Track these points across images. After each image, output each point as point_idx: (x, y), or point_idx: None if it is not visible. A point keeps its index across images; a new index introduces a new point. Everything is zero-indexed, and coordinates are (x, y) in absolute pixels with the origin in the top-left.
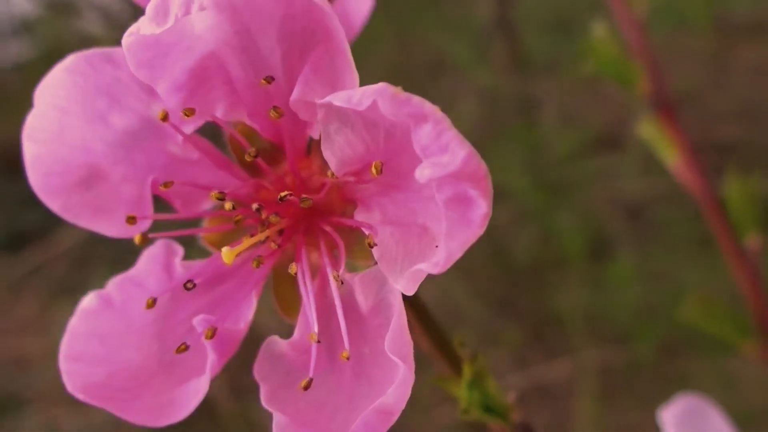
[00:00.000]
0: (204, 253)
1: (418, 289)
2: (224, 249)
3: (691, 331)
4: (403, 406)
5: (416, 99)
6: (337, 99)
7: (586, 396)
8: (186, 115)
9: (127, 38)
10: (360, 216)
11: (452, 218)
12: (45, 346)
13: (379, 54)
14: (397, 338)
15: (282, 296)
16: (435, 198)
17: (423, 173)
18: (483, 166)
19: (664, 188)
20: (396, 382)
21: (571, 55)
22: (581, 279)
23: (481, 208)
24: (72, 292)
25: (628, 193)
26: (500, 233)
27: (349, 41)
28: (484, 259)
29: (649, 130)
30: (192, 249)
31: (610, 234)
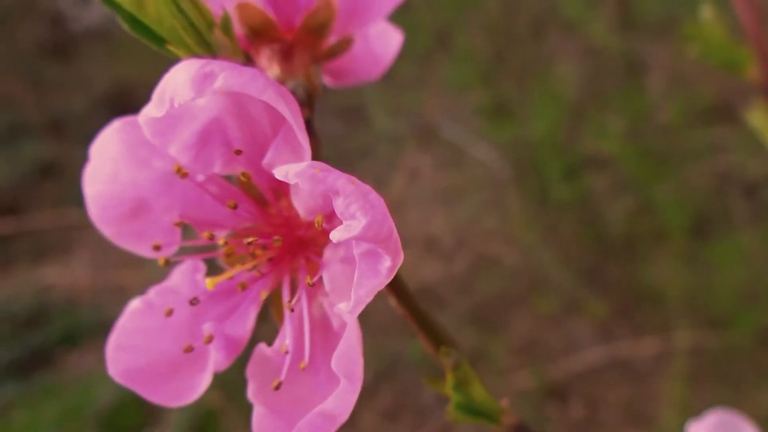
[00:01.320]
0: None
1: (409, 288)
2: (207, 279)
3: None
4: (345, 413)
5: (331, 178)
6: (278, 173)
7: (673, 377)
8: (182, 174)
9: (141, 118)
10: (328, 252)
11: (363, 269)
12: (141, 279)
13: (482, 11)
14: (342, 356)
15: (277, 310)
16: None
17: (334, 235)
18: (386, 229)
19: None
20: (335, 393)
21: (685, 16)
22: (680, 256)
23: (386, 262)
24: None
25: (740, 170)
26: (595, 201)
27: (376, 76)
28: (575, 226)
29: (759, 118)
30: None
31: (716, 211)
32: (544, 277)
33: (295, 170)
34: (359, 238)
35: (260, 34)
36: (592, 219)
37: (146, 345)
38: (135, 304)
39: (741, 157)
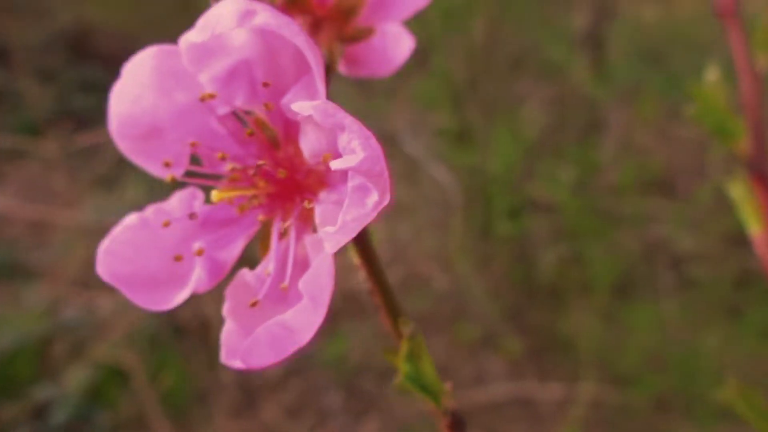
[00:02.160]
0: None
1: (381, 262)
2: (214, 191)
3: (689, 393)
4: (304, 332)
5: (340, 114)
6: (295, 106)
7: (570, 424)
8: (210, 98)
9: (181, 43)
10: (323, 195)
11: (353, 199)
12: (71, 222)
13: (467, 36)
14: (310, 277)
15: (263, 245)
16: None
17: (333, 163)
18: (379, 167)
19: (709, 249)
20: (296, 307)
21: (650, 88)
22: (599, 311)
23: (374, 196)
24: (111, 184)
25: (669, 242)
26: (532, 243)
27: (387, 75)
28: (508, 263)
29: (740, 192)
30: None
31: (641, 276)
32: (469, 306)
33: (312, 104)
34: (355, 170)
35: (296, 3)
36: (526, 260)
37: (135, 256)
38: (131, 217)
39: (672, 231)
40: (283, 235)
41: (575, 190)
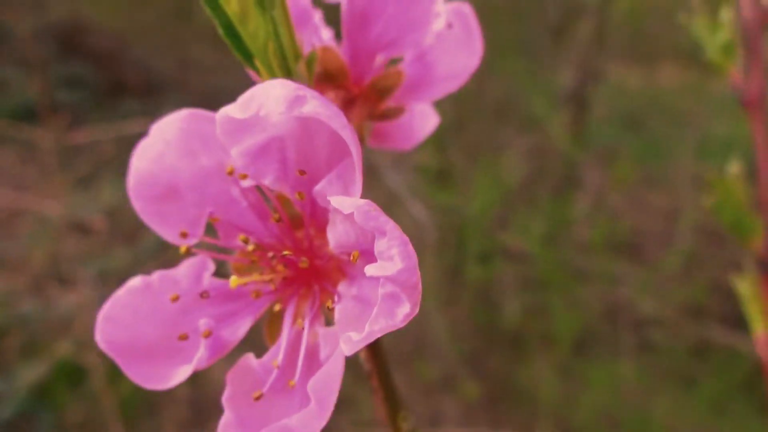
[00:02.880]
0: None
1: (384, 349)
2: (233, 277)
3: None
4: None
5: (382, 218)
6: (335, 201)
7: None
8: (241, 177)
9: (219, 114)
10: (342, 287)
11: (382, 308)
12: (40, 214)
13: None
14: (320, 380)
15: (271, 329)
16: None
17: (369, 269)
18: (415, 279)
19: (669, 316)
20: (303, 411)
21: (628, 150)
22: (558, 366)
23: (406, 308)
24: (88, 183)
25: (632, 305)
26: (499, 290)
27: (411, 147)
28: (474, 306)
29: (747, 290)
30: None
31: (602, 335)
32: (431, 345)
33: (354, 203)
34: (391, 280)
35: (332, 78)
36: (491, 305)
37: (134, 323)
38: (135, 281)
39: (635, 294)
40: (294, 323)
41: (546, 242)
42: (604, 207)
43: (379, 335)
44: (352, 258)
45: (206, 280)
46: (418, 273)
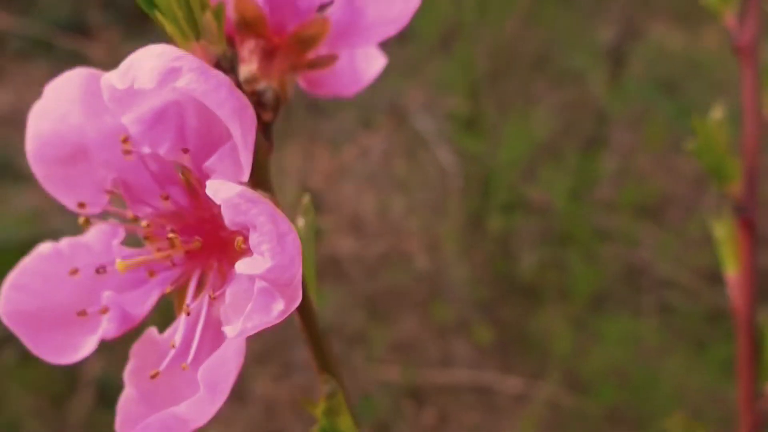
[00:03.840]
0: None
1: (316, 310)
2: (118, 260)
3: (642, 411)
4: (199, 421)
5: (253, 211)
6: (209, 187)
7: (523, 419)
8: (125, 149)
9: (103, 81)
10: (239, 265)
11: (256, 304)
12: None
13: (495, 28)
14: (210, 367)
15: (178, 301)
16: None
17: (239, 266)
18: (287, 276)
19: (686, 280)
20: (192, 399)
21: (661, 113)
22: (571, 318)
23: (280, 305)
24: None
25: (650, 267)
26: (519, 240)
27: (350, 95)
28: (493, 255)
29: (724, 233)
30: None
31: (618, 293)
32: (447, 289)
33: (224, 194)
34: (261, 277)
35: (250, 27)
36: (510, 255)
37: (43, 291)
38: (45, 247)
39: (655, 257)
40: (194, 299)
41: (570, 198)
42: (631, 168)
43: (253, 331)
44: (236, 245)
45: (115, 248)
46: (294, 269)
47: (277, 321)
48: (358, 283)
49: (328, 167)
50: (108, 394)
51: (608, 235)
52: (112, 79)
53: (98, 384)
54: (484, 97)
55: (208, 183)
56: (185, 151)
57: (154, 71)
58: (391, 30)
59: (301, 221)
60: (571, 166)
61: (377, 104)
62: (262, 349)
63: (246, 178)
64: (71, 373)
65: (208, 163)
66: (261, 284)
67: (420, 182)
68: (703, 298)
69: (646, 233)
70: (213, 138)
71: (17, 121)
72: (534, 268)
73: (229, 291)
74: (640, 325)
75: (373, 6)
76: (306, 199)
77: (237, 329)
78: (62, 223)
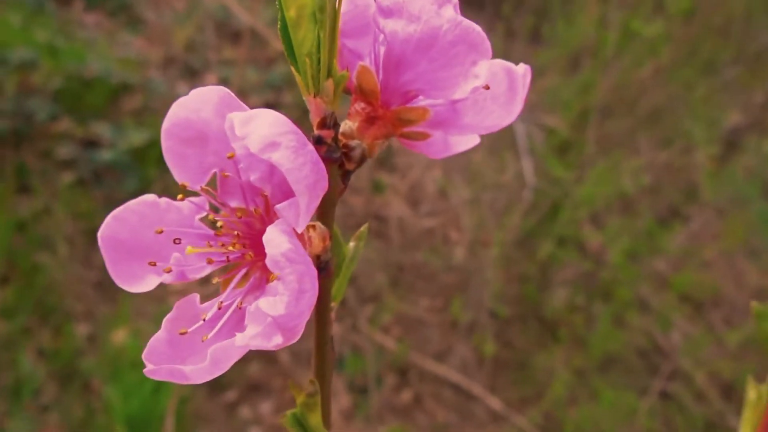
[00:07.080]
0: None
1: (330, 318)
2: (188, 246)
3: None
4: (196, 381)
5: (287, 270)
6: (266, 236)
7: None
8: (223, 174)
9: (228, 116)
10: (262, 301)
11: (263, 331)
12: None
13: (630, 68)
14: (219, 348)
15: (222, 287)
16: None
17: (261, 302)
18: (292, 325)
19: (701, 383)
20: (197, 365)
21: (754, 216)
22: (575, 368)
23: (278, 339)
24: None
25: (676, 355)
26: (558, 275)
27: (439, 158)
28: (528, 275)
29: (754, 396)
30: None
31: (629, 363)
32: (473, 290)
33: (270, 249)
34: (273, 318)
35: (364, 94)
36: (545, 285)
37: (135, 229)
38: (149, 196)
39: (681, 347)
40: (234, 288)
41: (626, 257)
42: (699, 254)
43: (254, 349)
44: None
45: (195, 221)
46: (300, 321)
47: (275, 349)
48: (393, 248)
49: None
50: None
51: (646, 307)
52: (235, 120)
53: None
54: (588, 128)
55: (268, 229)
56: (269, 184)
57: (261, 138)
58: (483, 132)
59: (352, 244)
60: (642, 228)
61: None
62: None
63: (301, 229)
64: None
65: (279, 206)
66: (271, 320)
67: (493, 180)
68: (708, 405)
69: (683, 321)
70: (290, 188)
71: None
72: (562, 306)
73: (259, 300)
74: (637, 403)
75: (472, 113)
76: (364, 228)
77: (243, 341)
78: (156, 75)
